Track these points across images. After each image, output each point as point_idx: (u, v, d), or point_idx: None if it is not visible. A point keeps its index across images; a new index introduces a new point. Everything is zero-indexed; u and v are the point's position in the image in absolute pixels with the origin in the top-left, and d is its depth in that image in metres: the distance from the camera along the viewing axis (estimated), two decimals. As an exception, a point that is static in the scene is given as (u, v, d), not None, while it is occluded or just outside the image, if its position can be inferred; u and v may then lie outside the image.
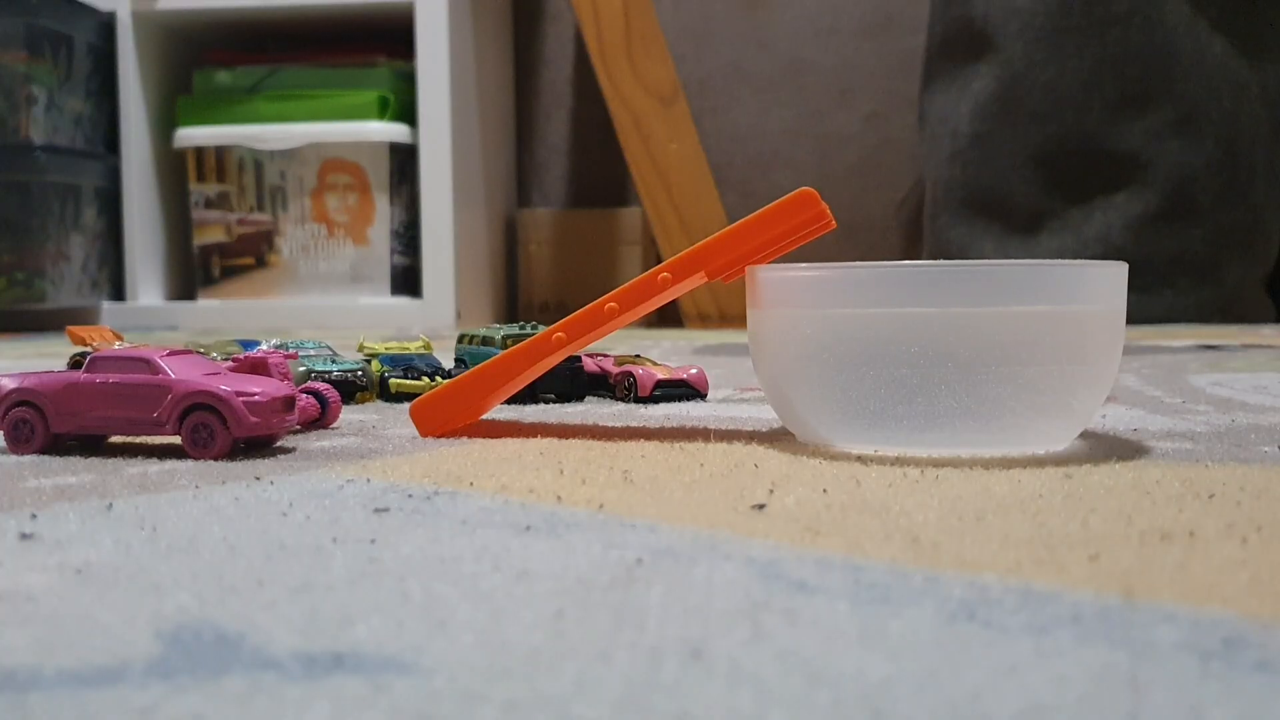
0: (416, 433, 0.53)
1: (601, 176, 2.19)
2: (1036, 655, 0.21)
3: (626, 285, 0.49)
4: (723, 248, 0.48)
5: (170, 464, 0.44)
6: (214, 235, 1.90)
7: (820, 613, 0.24)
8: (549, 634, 0.23)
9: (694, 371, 0.69)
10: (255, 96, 1.85)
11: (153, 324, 1.86)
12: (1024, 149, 1.73)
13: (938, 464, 0.42)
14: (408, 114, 1.84)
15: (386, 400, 0.68)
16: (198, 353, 0.50)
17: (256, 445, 0.48)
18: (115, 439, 0.50)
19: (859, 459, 0.44)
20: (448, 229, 1.81)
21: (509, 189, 2.17)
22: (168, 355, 0.48)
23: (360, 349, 0.76)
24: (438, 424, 0.52)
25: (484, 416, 0.58)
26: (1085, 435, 0.51)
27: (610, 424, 0.57)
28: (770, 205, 0.48)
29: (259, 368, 0.53)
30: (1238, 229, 1.71)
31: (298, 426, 0.53)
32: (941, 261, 0.45)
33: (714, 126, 2.16)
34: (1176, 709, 0.19)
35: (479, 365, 0.52)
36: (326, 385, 0.56)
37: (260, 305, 1.86)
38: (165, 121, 1.91)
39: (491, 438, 0.51)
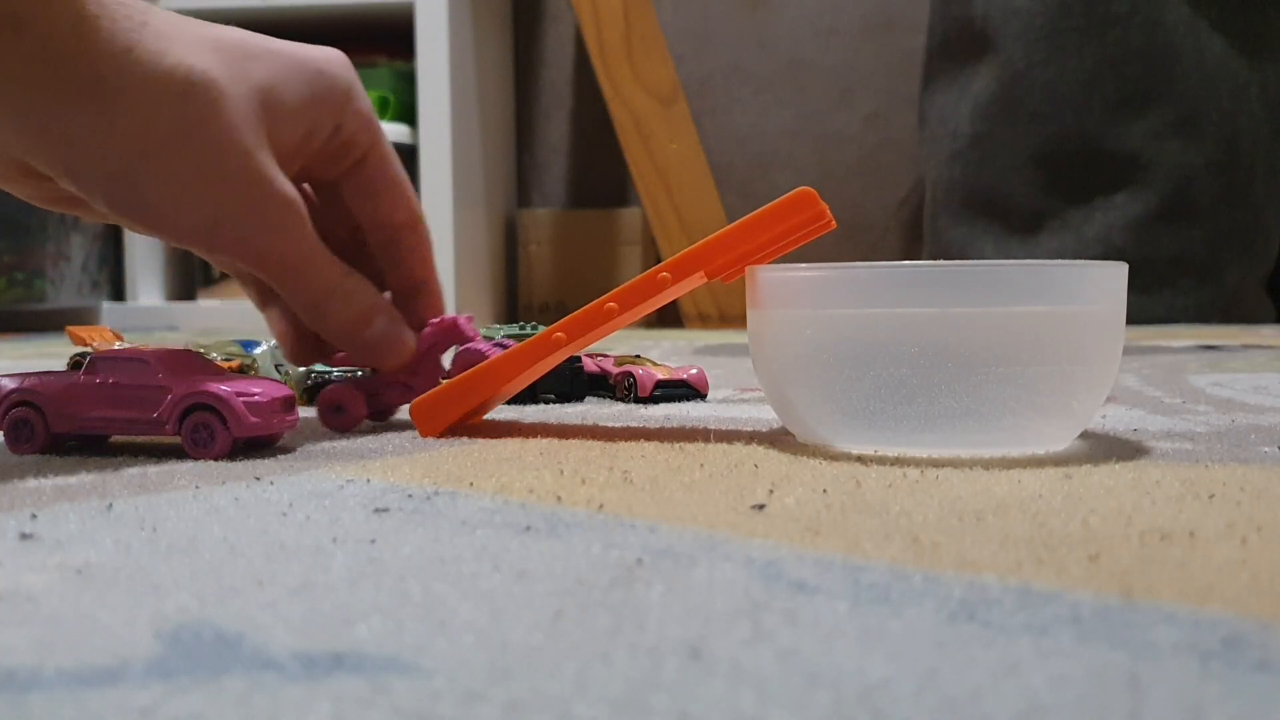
0: (417, 433, 0.53)
1: (601, 176, 2.19)
2: (1036, 655, 0.21)
3: (626, 285, 0.49)
4: (722, 247, 0.48)
5: (170, 464, 0.44)
6: (214, 235, 1.90)
7: (820, 613, 0.24)
8: (549, 634, 0.23)
9: (694, 372, 0.69)
10: (255, 96, 1.85)
11: (153, 324, 1.86)
12: (1024, 149, 1.73)
13: (938, 464, 0.42)
14: (408, 114, 1.84)
15: (386, 400, 0.68)
16: (197, 353, 0.50)
17: (256, 445, 0.48)
18: (115, 439, 0.50)
19: (859, 459, 0.44)
20: (448, 229, 1.81)
21: (509, 189, 2.17)
22: (167, 356, 0.48)
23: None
24: (439, 424, 0.52)
25: (485, 416, 0.58)
26: (1085, 435, 0.51)
27: (610, 424, 0.57)
28: (769, 205, 0.48)
29: (450, 332, 0.53)
30: (1238, 229, 1.71)
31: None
32: (941, 261, 0.45)
33: (714, 126, 2.16)
34: (1176, 709, 0.19)
35: (478, 365, 0.52)
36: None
37: (260, 305, 1.86)
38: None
39: (491, 438, 0.51)
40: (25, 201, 0.49)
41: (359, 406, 0.54)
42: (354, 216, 0.55)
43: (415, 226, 0.55)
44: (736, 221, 0.48)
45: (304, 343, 0.55)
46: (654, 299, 0.49)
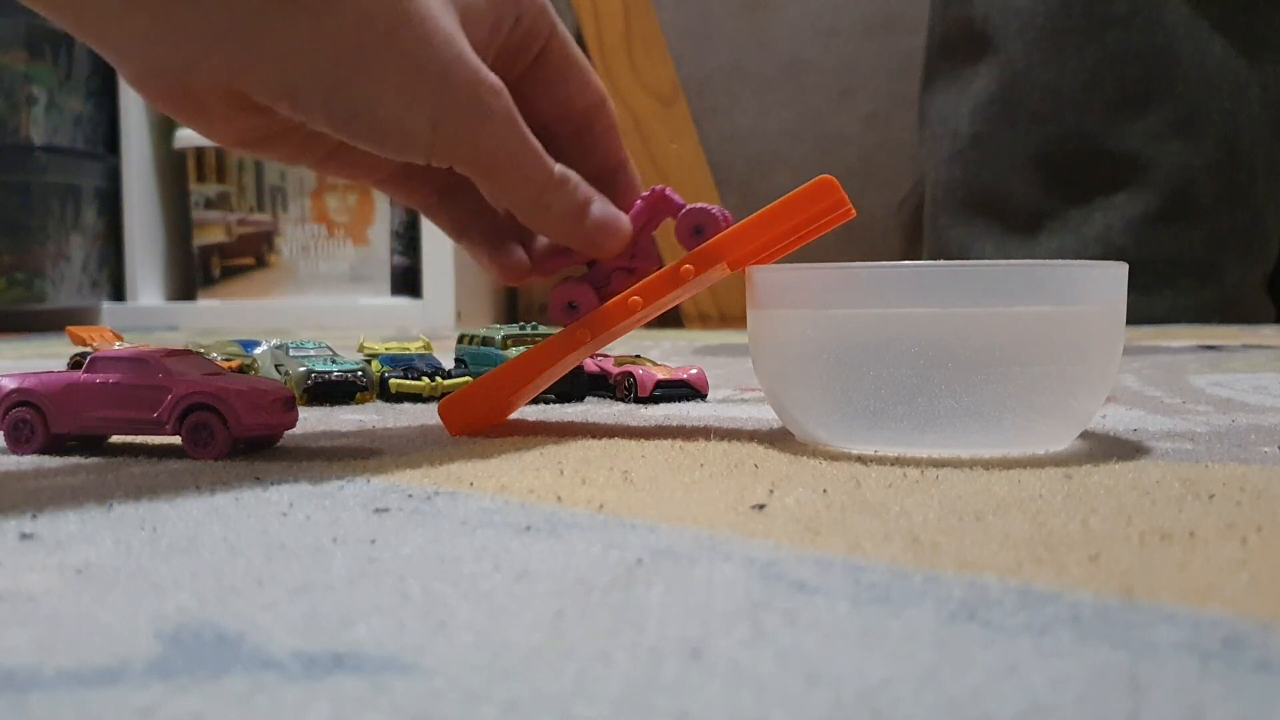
0: (416, 432, 0.53)
1: (601, 176, 2.19)
2: (1036, 655, 0.21)
3: (648, 279, 0.50)
4: (744, 238, 0.48)
5: (170, 464, 0.44)
6: (214, 235, 1.90)
7: (820, 613, 0.24)
8: (549, 634, 0.23)
9: (694, 371, 0.69)
10: (255, 96, 1.85)
11: (153, 324, 1.86)
12: (1024, 149, 1.73)
13: (938, 464, 0.42)
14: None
15: (386, 400, 0.68)
16: (197, 353, 0.50)
17: (256, 445, 0.48)
18: (115, 439, 0.50)
19: (859, 459, 0.44)
20: (448, 229, 1.80)
21: (509, 189, 2.17)
22: (168, 355, 0.48)
23: (360, 349, 0.76)
24: (466, 422, 0.52)
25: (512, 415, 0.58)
26: (1085, 435, 0.51)
27: (610, 424, 0.57)
28: (790, 194, 0.48)
29: (661, 203, 0.51)
30: (1238, 229, 1.71)
31: None
32: (941, 261, 0.45)
33: (714, 126, 2.16)
34: (1176, 709, 0.19)
35: (505, 363, 0.52)
36: None
37: (260, 305, 1.86)
38: (165, 121, 1.91)
39: (491, 437, 0.51)
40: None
41: (590, 300, 0.52)
42: (541, 112, 0.52)
43: (604, 106, 0.53)
44: (758, 212, 0.48)
45: (510, 261, 0.54)
46: (677, 292, 0.49)
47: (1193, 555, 0.29)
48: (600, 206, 0.50)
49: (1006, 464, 0.43)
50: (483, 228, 0.53)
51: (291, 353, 0.69)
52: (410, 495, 0.38)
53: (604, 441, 0.50)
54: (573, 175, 0.49)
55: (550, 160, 0.48)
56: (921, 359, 0.43)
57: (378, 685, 0.20)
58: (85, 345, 0.84)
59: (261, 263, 1.89)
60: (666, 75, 1.96)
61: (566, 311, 0.52)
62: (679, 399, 0.68)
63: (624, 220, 0.51)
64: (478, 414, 0.52)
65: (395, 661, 0.21)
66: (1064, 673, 0.21)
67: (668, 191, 0.52)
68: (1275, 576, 0.27)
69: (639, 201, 0.52)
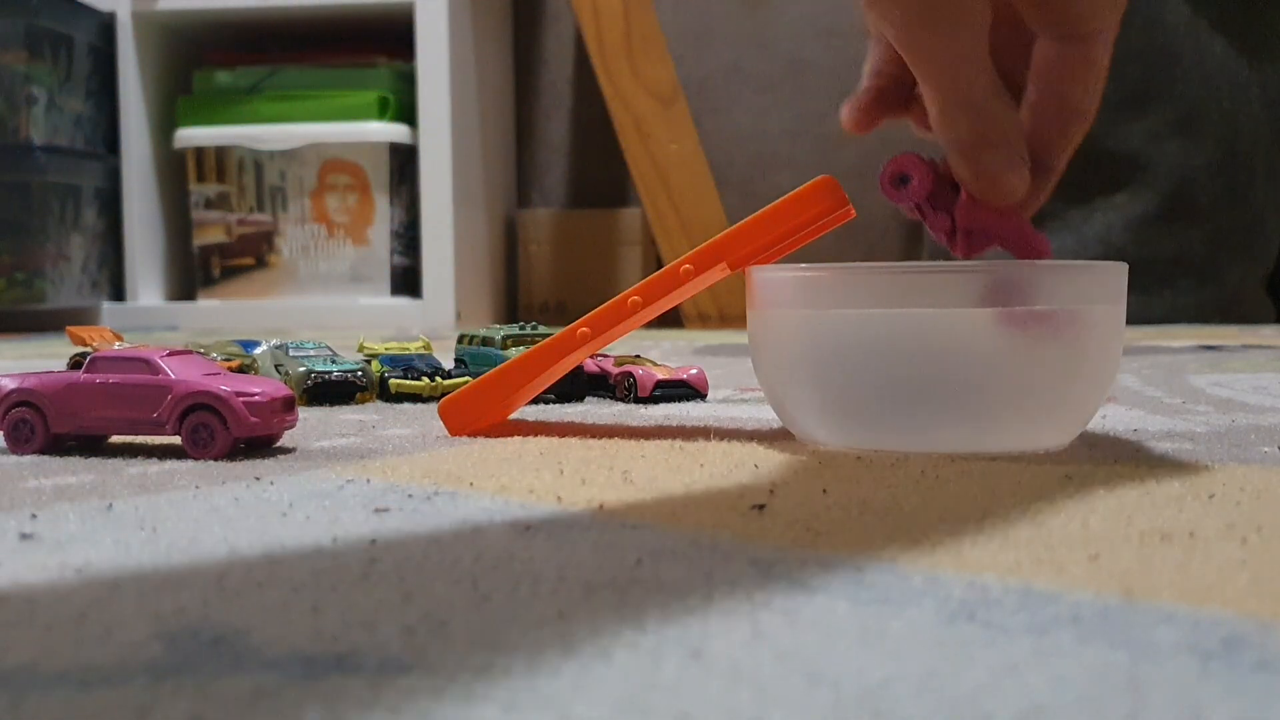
0: (416, 432, 0.53)
1: (601, 176, 2.19)
2: (1036, 655, 0.21)
3: (648, 279, 0.49)
4: (744, 238, 0.48)
5: (170, 464, 0.44)
6: (214, 235, 1.90)
7: (820, 613, 0.24)
8: (549, 634, 0.23)
9: (694, 371, 0.69)
10: (255, 97, 1.85)
11: (153, 324, 1.86)
12: (1024, 149, 1.73)
13: (938, 464, 0.42)
14: (408, 114, 1.84)
15: (386, 400, 0.68)
16: (198, 353, 0.50)
17: (256, 445, 0.48)
18: (115, 439, 0.50)
19: (859, 459, 0.44)
20: (448, 229, 1.81)
21: (509, 189, 2.17)
22: (168, 355, 0.48)
23: (360, 349, 0.76)
24: (466, 422, 0.52)
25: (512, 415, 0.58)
26: (1085, 435, 0.51)
27: (610, 424, 0.57)
28: (790, 194, 0.48)
29: (1029, 245, 0.46)
30: (1238, 229, 1.71)
31: None
32: (941, 261, 0.45)
33: (714, 126, 2.16)
34: (1176, 709, 0.19)
35: (505, 363, 0.52)
36: None
37: (260, 305, 1.86)
38: (165, 122, 1.91)
39: (492, 438, 0.51)
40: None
41: (926, 181, 0.47)
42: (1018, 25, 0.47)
43: (1081, 120, 0.48)
44: (758, 212, 0.48)
45: (875, 109, 0.51)
46: (677, 292, 0.49)
47: (1193, 555, 0.29)
48: (1001, 158, 0.45)
49: (1006, 464, 0.43)
50: (894, 74, 0.51)
51: (291, 353, 0.69)
52: (410, 495, 0.38)
53: (604, 441, 0.50)
54: (1002, 112, 0.45)
55: (985, 82, 0.44)
56: (921, 359, 0.43)
57: (378, 685, 0.20)
58: (85, 345, 0.84)
59: (261, 263, 1.89)
60: (666, 75, 1.96)
61: (896, 184, 0.47)
62: (679, 399, 0.68)
63: (1016, 187, 0.45)
64: (478, 414, 0.52)
65: (395, 661, 0.21)
66: (1064, 673, 0.21)
67: (1046, 248, 0.46)
68: (1275, 576, 0.27)
69: (1028, 240, 0.47)
